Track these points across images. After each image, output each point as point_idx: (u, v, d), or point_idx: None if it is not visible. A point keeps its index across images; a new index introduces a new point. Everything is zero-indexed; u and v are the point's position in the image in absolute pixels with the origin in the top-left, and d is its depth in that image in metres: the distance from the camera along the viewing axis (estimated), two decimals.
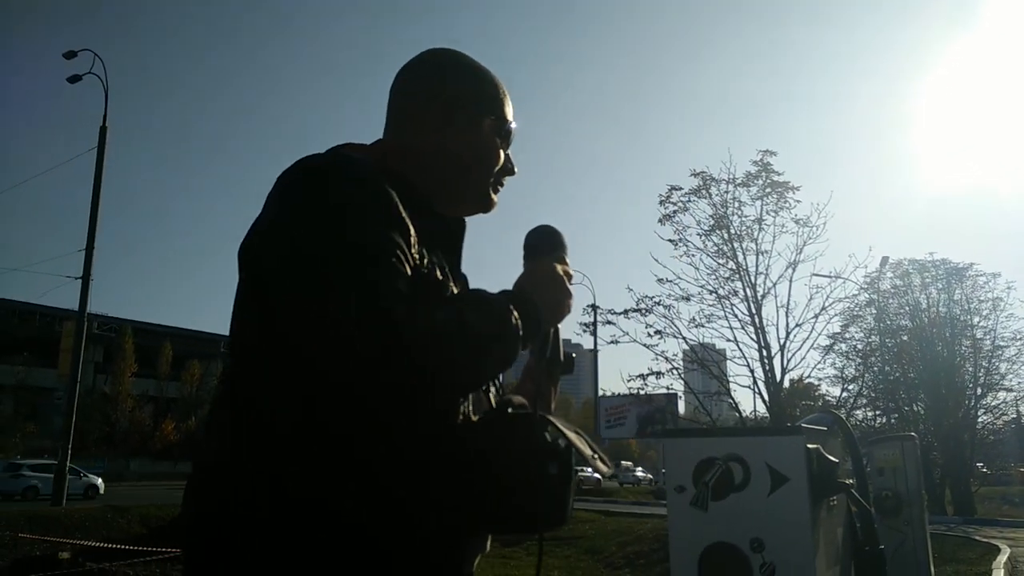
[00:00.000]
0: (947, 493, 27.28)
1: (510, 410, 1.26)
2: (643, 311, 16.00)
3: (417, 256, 1.17)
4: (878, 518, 4.23)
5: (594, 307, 17.48)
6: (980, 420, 29.88)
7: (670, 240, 16.61)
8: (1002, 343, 29.13)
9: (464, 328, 1.09)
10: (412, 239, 1.16)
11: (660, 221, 16.94)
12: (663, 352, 16.07)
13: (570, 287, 1.34)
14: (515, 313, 1.18)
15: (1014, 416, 31.97)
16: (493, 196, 1.44)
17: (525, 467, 1.16)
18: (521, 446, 1.17)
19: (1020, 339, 29.05)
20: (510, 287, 1.29)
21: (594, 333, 21.65)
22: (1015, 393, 29.18)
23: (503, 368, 1.23)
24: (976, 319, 29.69)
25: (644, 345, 15.89)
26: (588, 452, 1.24)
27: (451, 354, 1.08)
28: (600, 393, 44.19)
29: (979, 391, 29.43)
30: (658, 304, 16.07)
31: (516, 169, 1.45)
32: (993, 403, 29.82)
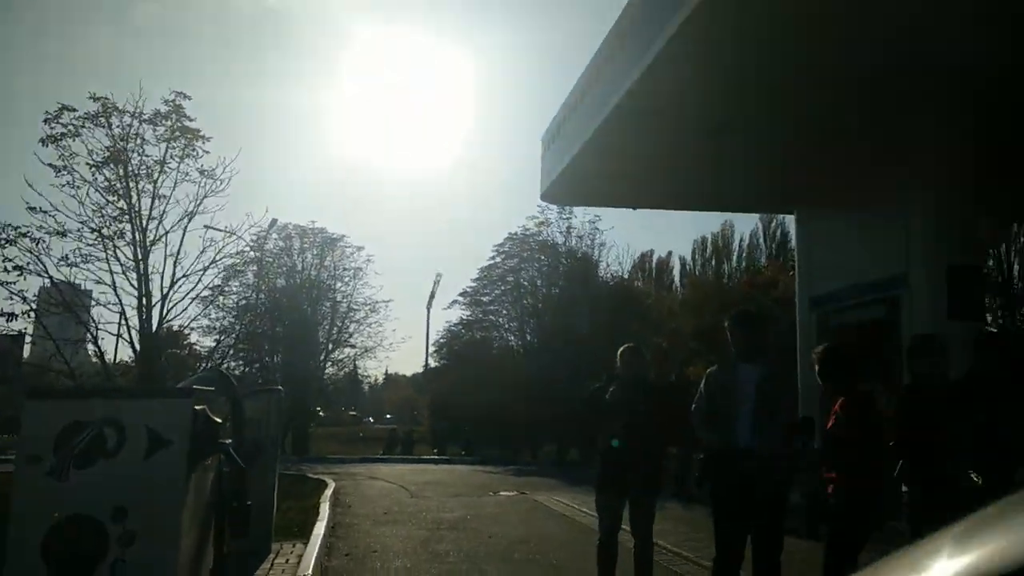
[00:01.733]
0: (288, 435, 30.38)
1: None
2: (3, 242, 13.29)
3: None
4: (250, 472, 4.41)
5: None
6: (327, 372, 34.29)
7: (52, 165, 14.21)
8: (355, 307, 34.05)
9: None
10: None
11: (43, 142, 14.34)
12: (22, 291, 13.68)
13: None
14: None
15: (352, 369, 37.53)
16: None
17: None
18: None
19: (369, 304, 34.38)
20: None
21: None
22: (357, 349, 34.37)
23: None
24: (339, 284, 34.00)
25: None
26: None
27: None
28: None
29: (330, 347, 33.77)
30: (24, 235, 13.57)
31: None
32: (339, 357, 34.58)
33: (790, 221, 43.38)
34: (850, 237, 11.40)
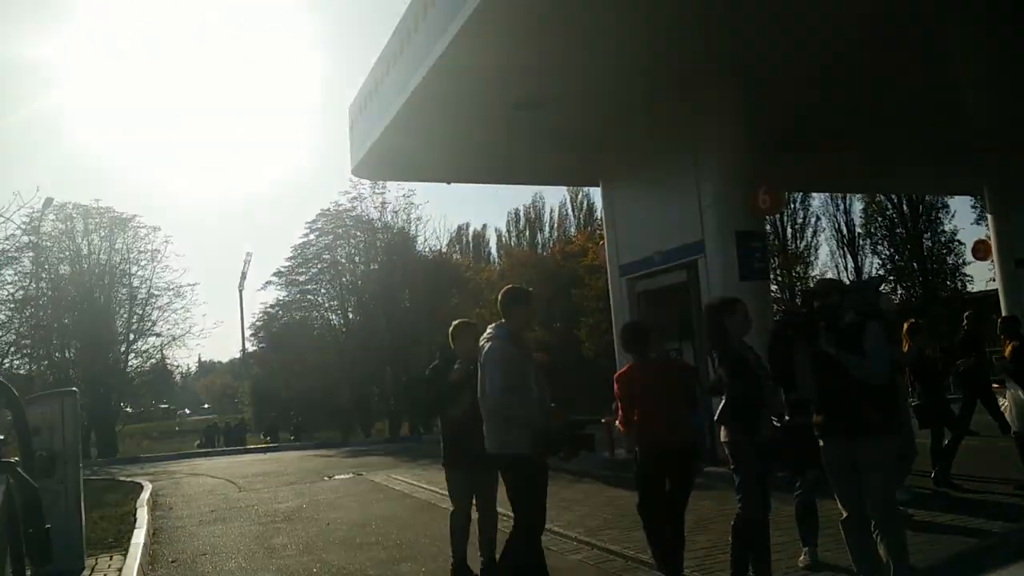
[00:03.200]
0: (92, 436, 27.71)
1: None
2: None
3: None
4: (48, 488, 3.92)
5: None
6: (131, 364, 31.51)
7: None
8: (156, 292, 31.39)
9: None
10: None
11: None
12: None
13: None
14: None
15: (159, 358, 34.80)
16: None
17: None
18: None
19: (172, 288, 31.84)
20: None
21: None
22: (163, 338, 31.80)
23: None
24: (135, 268, 31.14)
25: None
26: None
27: None
28: None
29: (132, 337, 31.00)
30: None
31: None
32: (144, 348, 31.85)
33: (596, 192, 45.83)
34: (651, 208, 12.17)
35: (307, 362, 31.43)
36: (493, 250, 50.01)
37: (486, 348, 4.55)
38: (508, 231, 49.85)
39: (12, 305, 23.74)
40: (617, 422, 5.42)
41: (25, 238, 19.70)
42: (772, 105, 10.74)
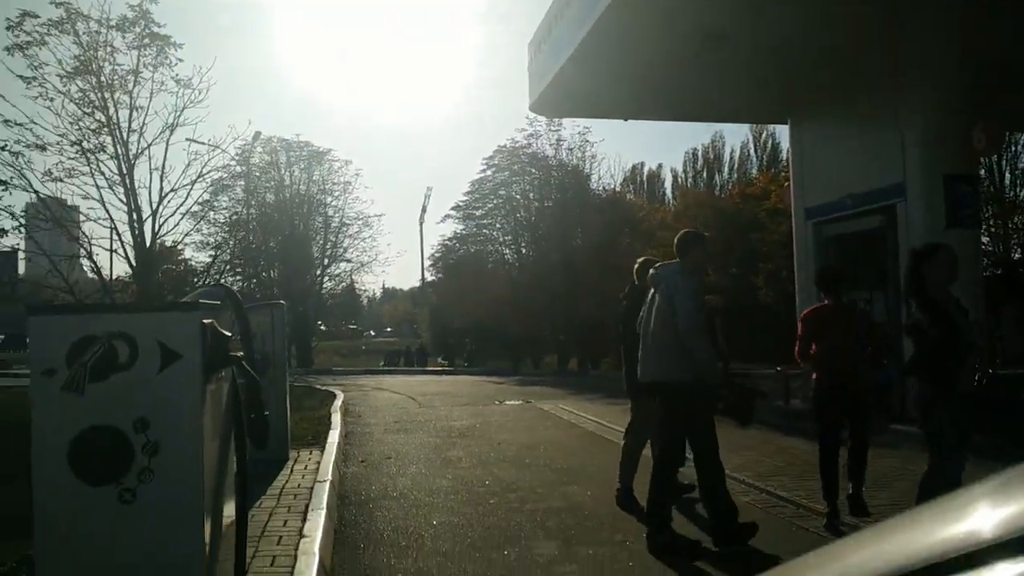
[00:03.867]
0: (291, 348, 30.76)
1: None
2: None
3: None
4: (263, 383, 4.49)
5: None
6: (325, 286, 34.43)
7: (22, 76, 13.82)
8: (348, 221, 33.89)
9: None
10: None
11: (8, 50, 13.89)
12: (9, 207, 13.55)
13: None
14: None
15: (349, 283, 37.69)
16: None
17: None
18: None
19: (361, 219, 34.20)
20: None
21: None
22: (352, 264, 34.39)
23: None
24: (329, 199, 33.70)
25: None
26: None
27: None
28: None
29: (326, 262, 33.81)
30: (3, 149, 13.32)
31: None
32: (336, 272, 34.68)
33: (781, 132, 42.61)
34: (845, 147, 11.27)
35: (481, 294, 32.65)
36: (668, 191, 48.71)
37: (673, 282, 4.67)
38: (684, 171, 48.26)
39: (227, 228, 26.51)
40: (796, 355, 5.64)
41: (238, 168, 21.80)
42: (990, 32, 9.44)
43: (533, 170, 32.25)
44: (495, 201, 33.39)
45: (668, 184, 49.28)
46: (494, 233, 34.51)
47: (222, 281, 19.65)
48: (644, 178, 48.66)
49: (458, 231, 35.39)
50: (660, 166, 51.88)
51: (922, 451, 4.36)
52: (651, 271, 5.02)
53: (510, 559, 4.65)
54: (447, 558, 4.69)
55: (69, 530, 3.09)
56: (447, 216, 36.19)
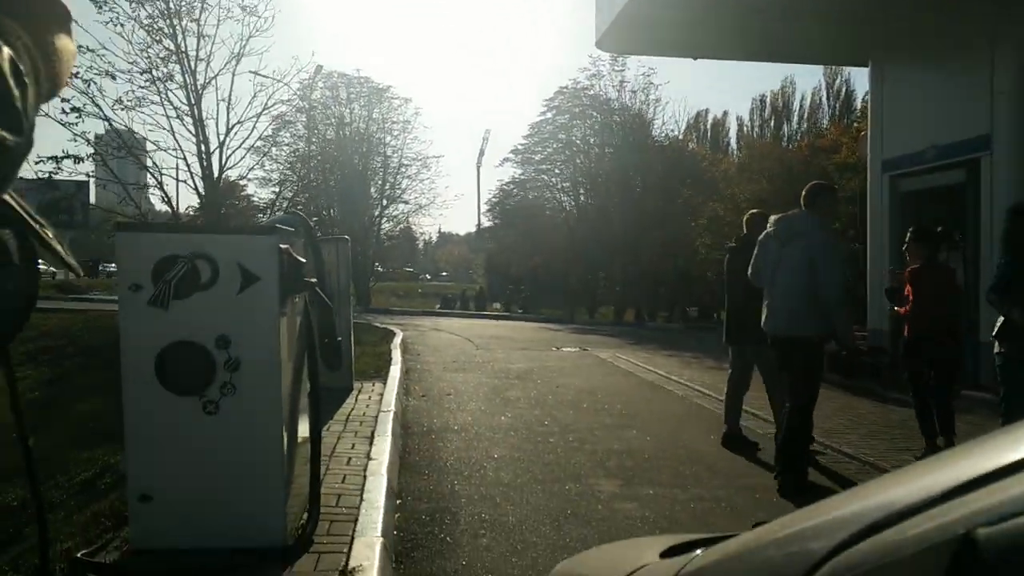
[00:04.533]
0: (351, 287, 31.32)
1: None
2: None
3: None
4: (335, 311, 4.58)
5: None
6: (383, 227, 34.73)
7: (94, 0, 14.03)
8: (406, 161, 33.89)
9: None
10: None
11: None
12: (84, 133, 13.93)
13: None
14: None
15: (406, 225, 37.99)
16: None
17: None
18: None
19: (420, 159, 34.19)
20: None
21: None
22: (410, 206, 34.54)
23: None
24: (388, 138, 33.67)
25: (60, 123, 13.48)
26: (60, 249, 0.94)
27: None
28: None
29: (384, 202, 33.99)
30: (75, 76, 13.62)
31: None
32: (394, 213, 34.88)
33: (856, 77, 40.55)
34: (929, 93, 10.66)
35: (537, 241, 32.53)
36: (732, 140, 47.32)
37: (816, 241, 4.78)
38: (751, 120, 46.77)
39: (288, 165, 26.87)
40: (899, 310, 6.04)
41: (300, 102, 21.93)
42: None
43: (595, 113, 31.64)
44: (555, 145, 32.96)
45: (733, 133, 47.90)
46: (552, 179, 34.17)
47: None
48: (708, 126, 47.33)
49: (516, 176, 35.18)
50: (725, 114, 50.47)
51: (996, 416, 4.23)
52: (779, 222, 5.04)
53: (571, 493, 4.71)
54: (510, 488, 4.78)
55: (156, 438, 3.23)
56: (505, 159, 36.11)
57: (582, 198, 32.96)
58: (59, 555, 3.41)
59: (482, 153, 52.47)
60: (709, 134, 47.71)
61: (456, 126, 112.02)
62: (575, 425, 6.69)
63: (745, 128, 46.75)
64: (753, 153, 37.63)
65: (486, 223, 41.48)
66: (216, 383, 3.20)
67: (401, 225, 36.44)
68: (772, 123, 45.83)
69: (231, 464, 3.23)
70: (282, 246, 3.37)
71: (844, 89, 41.38)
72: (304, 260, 3.82)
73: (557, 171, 33.66)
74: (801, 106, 44.78)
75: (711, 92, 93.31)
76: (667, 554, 1.01)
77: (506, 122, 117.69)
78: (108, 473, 5.57)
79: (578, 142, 32.57)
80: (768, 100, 45.65)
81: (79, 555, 3.22)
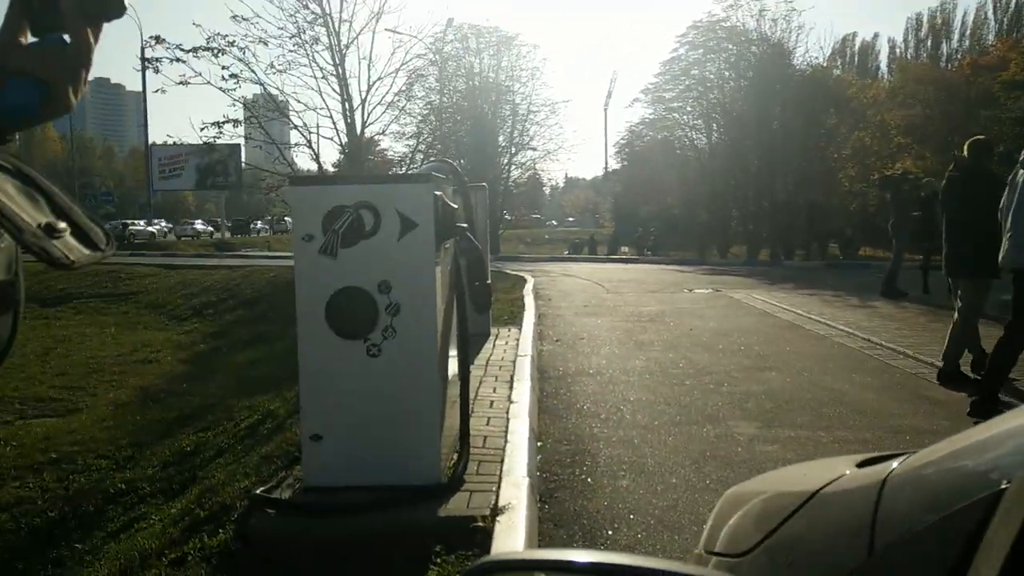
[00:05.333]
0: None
1: None
2: (215, 51, 14.37)
3: None
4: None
5: (156, 39, 14.90)
6: (511, 175, 35.03)
7: None
8: (535, 108, 33.82)
9: None
10: None
11: None
12: (241, 98, 15.00)
13: None
14: None
15: (533, 172, 38.10)
16: None
17: None
18: None
19: (548, 105, 34.01)
20: None
21: (143, 70, 19.11)
22: (538, 152, 34.57)
23: None
24: (517, 85, 33.67)
25: (221, 89, 14.54)
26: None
27: None
28: (154, 141, 39.91)
29: (512, 150, 34.20)
30: (233, 44, 14.59)
31: None
32: (522, 160, 35.05)
33: None
34: None
35: (667, 181, 31.80)
36: (883, 64, 43.89)
37: None
38: (905, 41, 43.12)
39: (420, 119, 27.51)
40: None
41: (432, 56, 22.34)
42: None
43: (730, 46, 30.19)
44: (687, 82, 31.82)
45: (883, 56, 44.43)
46: (684, 117, 33.10)
47: (413, 168, 20.63)
48: (855, 50, 44.07)
49: (646, 116, 34.39)
50: (876, 36, 47.00)
51: None
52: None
53: (710, 435, 4.77)
54: (647, 430, 4.90)
55: (326, 380, 3.55)
56: (635, 100, 35.64)
57: (715, 135, 31.80)
58: (238, 493, 3.84)
59: (609, 95, 51.88)
60: (856, 59, 44.43)
61: (583, 70, 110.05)
62: (711, 367, 6.68)
63: (898, 50, 43.28)
64: (907, 76, 34.76)
65: (614, 165, 40.93)
66: (379, 327, 3.47)
67: (529, 172, 36.60)
68: (929, 43, 42.08)
69: (391, 405, 3.48)
70: (436, 193, 3.57)
71: (1013, 2, 37.14)
72: (456, 206, 4.03)
73: (689, 109, 32.60)
74: (963, 23, 40.75)
75: (860, 15, 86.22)
76: (863, 465, 1.03)
77: (635, 63, 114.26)
78: (269, 419, 6.15)
79: (712, 77, 31.31)
80: (925, 18, 41.81)
81: (257, 492, 3.54)
